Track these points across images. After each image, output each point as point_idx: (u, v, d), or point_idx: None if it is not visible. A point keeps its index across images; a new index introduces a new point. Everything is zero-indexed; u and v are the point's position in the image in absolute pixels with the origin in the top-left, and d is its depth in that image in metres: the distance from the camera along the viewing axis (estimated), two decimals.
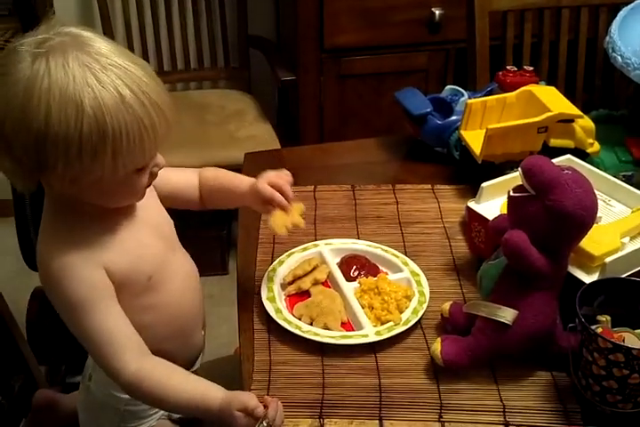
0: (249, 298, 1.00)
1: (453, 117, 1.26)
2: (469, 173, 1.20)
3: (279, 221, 0.94)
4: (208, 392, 0.82)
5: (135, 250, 0.87)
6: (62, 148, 0.73)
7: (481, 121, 1.21)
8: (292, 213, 0.95)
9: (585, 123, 1.17)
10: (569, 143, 1.16)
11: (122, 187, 0.81)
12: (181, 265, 0.97)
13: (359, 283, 0.99)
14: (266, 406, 0.79)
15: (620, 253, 0.91)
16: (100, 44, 0.76)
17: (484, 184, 1.05)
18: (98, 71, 0.73)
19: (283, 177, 0.96)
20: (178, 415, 1.04)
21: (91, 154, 0.74)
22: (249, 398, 0.80)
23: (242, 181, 0.99)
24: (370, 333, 0.92)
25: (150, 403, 0.85)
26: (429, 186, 1.23)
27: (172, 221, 0.98)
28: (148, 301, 0.90)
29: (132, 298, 0.88)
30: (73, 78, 0.72)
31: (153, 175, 0.84)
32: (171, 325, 0.95)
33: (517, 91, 1.22)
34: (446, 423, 0.83)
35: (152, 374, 0.83)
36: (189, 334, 1.01)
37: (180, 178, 1.01)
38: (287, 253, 1.05)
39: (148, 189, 0.91)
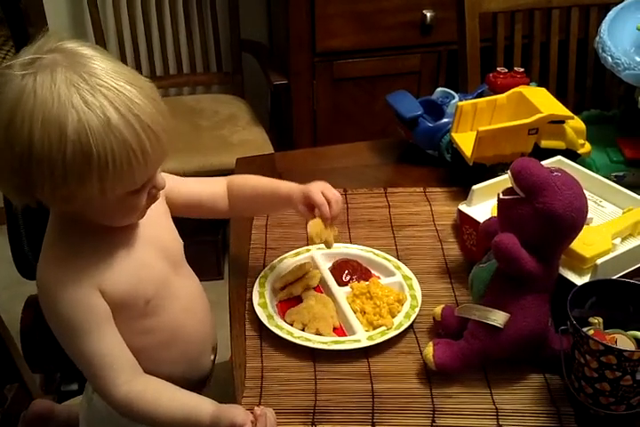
0: (240, 304, 0.99)
1: (444, 120, 1.26)
2: (461, 176, 1.20)
3: (317, 230, 0.95)
4: (197, 410, 0.82)
5: (135, 272, 0.85)
6: (47, 170, 0.71)
7: (472, 123, 1.21)
8: (329, 229, 0.96)
9: (576, 124, 1.17)
10: (560, 144, 1.16)
11: (117, 208, 0.79)
12: (184, 287, 0.95)
13: (351, 287, 0.99)
14: (254, 421, 0.79)
15: (611, 255, 0.91)
16: (96, 63, 0.73)
17: (474, 187, 1.05)
18: (85, 92, 0.70)
19: (337, 194, 0.96)
20: None
21: (76, 177, 0.72)
22: (237, 415, 0.80)
23: (279, 185, 1.00)
24: (362, 338, 0.91)
25: (143, 422, 0.85)
26: (421, 189, 1.23)
27: (180, 240, 0.95)
28: (145, 324, 0.88)
29: (129, 321, 0.86)
30: (58, 99, 0.70)
31: (151, 197, 0.82)
32: (172, 348, 0.93)
33: (508, 92, 1.22)
34: None
35: (142, 396, 0.82)
36: (195, 357, 0.98)
37: (204, 187, 1.00)
38: (279, 259, 1.05)
39: (158, 208, 0.89)
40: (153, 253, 0.89)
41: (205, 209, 1.00)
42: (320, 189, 0.95)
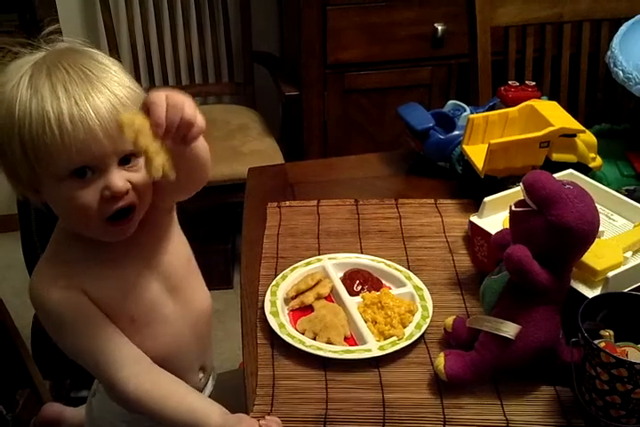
0: (252, 313, 1.00)
1: (456, 132, 1.27)
2: (472, 188, 1.21)
3: (135, 122, 0.70)
4: (204, 418, 0.82)
5: (121, 288, 0.85)
6: None
7: (483, 136, 1.22)
8: (160, 147, 0.71)
9: (587, 137, 1.18)
10: (571, 158, 1.16)
11: (70, 206, 0.77)
12: (179, 311, 0.93)
13: (362, 297, 1.00)
14: None
15: (622, 268, 0.91)
16: (90, 54, 0.77)
17: (486, 199, 1.05)
18: (39, 67, 0.74)
19: (188, 102, 0.72)
20: None
21: (6, 136, 0.74)
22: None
23: None
24: (373, 347, 0.92)
25: (151, 418, 0.86)
26: (432, 200, 1.24)
27: (187, 254, 0.95)
28: (132, 342, 0.87)
29: None
30: (18, 69, 0.75)
31: (105, 200, 0.77)
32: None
33: (519, 106, 1.23)
34: None
35: (150, 395, 0.83)
36: (179, 376, 0.94)
37: None
38: (291, 268, 1.06)
39: (160, 228, 0.89)
40: (148, 274, 0.89)
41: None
42: (165, 93, 0.72)
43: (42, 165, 0.75)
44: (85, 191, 0.76)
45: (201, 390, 1.03)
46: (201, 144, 0.81)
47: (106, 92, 0.74)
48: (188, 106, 0.71)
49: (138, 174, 0.79)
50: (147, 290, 0.88)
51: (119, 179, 0.77)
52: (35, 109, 0.72)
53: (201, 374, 1.03)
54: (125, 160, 0.78)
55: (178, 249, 0.93)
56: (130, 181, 0.78)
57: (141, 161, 0.79)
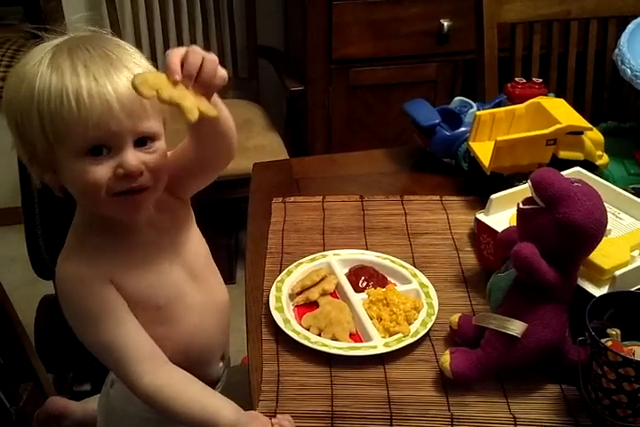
0: (257, 308, 1.00)
1: (462, 129, 1.27)
2: (478, 185, 1.20)
3: (157, 81, 0.69)
4: (217, 415, 0.82)
5: (146, 275, 0.85)
6: (13, 117, 0.76)
7: (490, 133, 1.21)
8: (187, 92, 0.71)
9: (594, 135, 1.17)
10: (578, 155, 1.16)
11: (81, 180, 0.76)
12: (201, 300, 0.93)
13: (367, 294, 0.99)
14: None
15: (629, 267, 0.91)
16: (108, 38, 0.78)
17: (493, 196, 1.05)
18: (62, 49, 0.75)
19: (208, 57, 0.72)
20: None
21: (25, 113, 0.75)
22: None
23: None
24: (378, 344, 0.91)
25: (163, 415, 0.86)
26: (438, 197, 1.23)
27: (206, 250, 0.96)
28: (158, 332, 0.87)
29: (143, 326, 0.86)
30: (41, 50, 0.76)
31: (117, 178, 0.76)
32: (180, 356, 0.90)
33: (526, 103, 1.22)
34: None
35: (162, 390, 0.83)
36: (203, 366, 0.96)
37: (176, 151, 0.87)
38: (295, 264, 1.05)
39: (178, 216, 0.89)
40: (172, 261, 0.89)
41: (191, 161, 0.86)
42: (184, 50, 0.72)
43: (59, 140, 0.75)
44: (99, 168, 0.76)
45: (219, 378, 1.03)
46: (225, 116, 0.81)
47: (125, 71, 0.75)
48: (207, 53, 0.73)
49: (153, 156, 0.78)
50: (172, 277, 0.88)
51: (133, 158, 0.76)
52: (54, 84, 0.73)
53: (221, 363, 1.03)
54: (142, 142, 0.78)
55: (197, 242, 0.94)
56: (145, 163, 0.77)
57: (157, 144, 0.79)
